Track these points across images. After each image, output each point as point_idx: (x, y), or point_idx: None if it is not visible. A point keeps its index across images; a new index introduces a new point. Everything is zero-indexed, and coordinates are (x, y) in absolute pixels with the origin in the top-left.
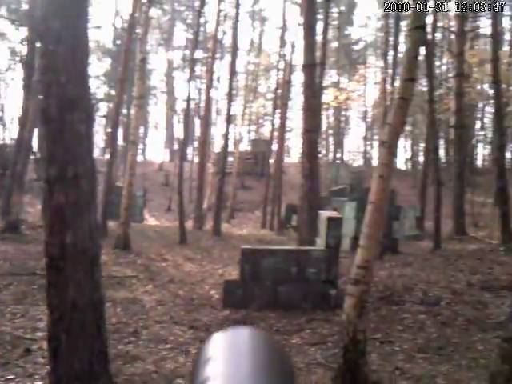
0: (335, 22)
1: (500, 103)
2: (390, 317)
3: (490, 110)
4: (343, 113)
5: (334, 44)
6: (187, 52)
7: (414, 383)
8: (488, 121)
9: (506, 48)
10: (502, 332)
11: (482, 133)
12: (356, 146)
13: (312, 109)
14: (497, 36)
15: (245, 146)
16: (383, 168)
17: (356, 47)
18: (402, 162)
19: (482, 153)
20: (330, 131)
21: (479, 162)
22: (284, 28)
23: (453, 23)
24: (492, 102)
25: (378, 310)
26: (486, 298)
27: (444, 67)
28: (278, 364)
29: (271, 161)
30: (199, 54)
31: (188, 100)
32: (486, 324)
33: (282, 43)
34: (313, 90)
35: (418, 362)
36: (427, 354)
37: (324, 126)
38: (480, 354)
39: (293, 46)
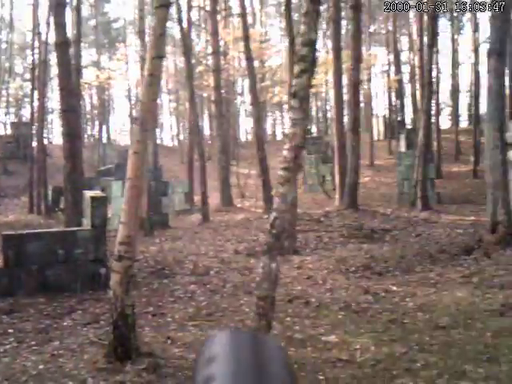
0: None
1: (254, 78)
2: (162, 290)
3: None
4: (107, 92)
5: (92, 22)
6: None
7: (186, 350)
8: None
9: (258, 27)
10: (257, 292)
11: (244, 108)
12: (122, 125)
13: (68, 88)
14: (245, 16)
15: (5, 130)
16: (137, 145)
17: (115, 25)
18: (169, 138)
19: (245, 126)
20: (95, 111)
21: (243, 136)
22: (36, 4)
23: (207, 2)
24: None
25: (150, 284)
26: (252, 263)
27: (204, 45)
28: (278, 366)
29: (34, 143)
30: None
31: None
32: (250, 287)
33: (36, 21)
34: (68, 69)
35: (189, 330)
36: (197, 321)
37: (88, 106)
38: (246, 315)
39: (47, 24)
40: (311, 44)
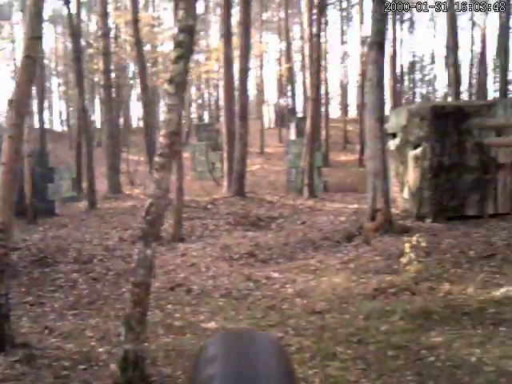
0: None
1: (143, 63)
2: (43, 279)
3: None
4: None
5: None
6: None
7: (63, 339)
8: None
9: (151, 10)
10: (133, 279)
11: (134, 92)
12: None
13: None
14: None
15: None
16: (12, 128)
17: (0, 1)
18: (58, 123)
19: (136, 112)
20: None
21: (135, 121)
22: None
23: None
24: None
25: (30, 273)
26: None
27: (95, 27)
28: (278, 364)
29: None
30: None
31: None
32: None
33: None
34: None
35: (69, 319)
36: (78, 310)
37: None
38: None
39: None
40: (189, 30)
